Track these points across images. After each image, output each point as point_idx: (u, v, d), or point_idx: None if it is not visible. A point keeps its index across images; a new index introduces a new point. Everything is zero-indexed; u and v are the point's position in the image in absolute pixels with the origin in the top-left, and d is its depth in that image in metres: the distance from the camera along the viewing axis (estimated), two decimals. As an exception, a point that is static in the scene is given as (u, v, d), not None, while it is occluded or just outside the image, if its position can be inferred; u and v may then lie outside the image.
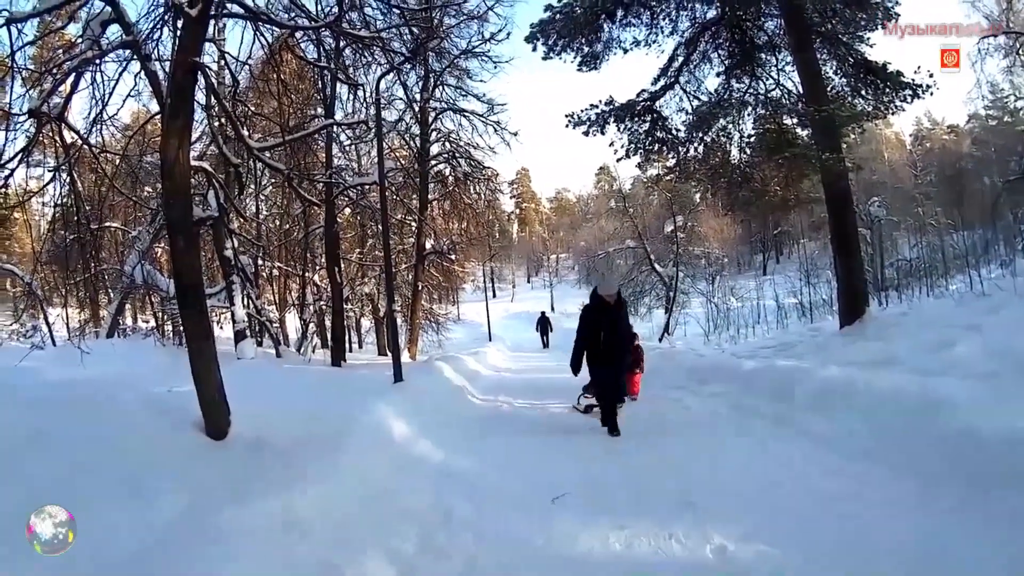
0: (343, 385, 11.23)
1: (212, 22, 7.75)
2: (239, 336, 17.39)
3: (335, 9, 10.31)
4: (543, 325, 37.42)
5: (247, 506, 4.53)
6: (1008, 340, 8.95)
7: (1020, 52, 21.83)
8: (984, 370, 8.11)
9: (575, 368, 8.89)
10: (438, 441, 7.72)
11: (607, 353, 8.65)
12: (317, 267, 23.83)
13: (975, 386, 6.60)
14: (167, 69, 7.07)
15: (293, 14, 9.24)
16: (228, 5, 7.70)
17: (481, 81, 22.83)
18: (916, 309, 14.77)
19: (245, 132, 10.25)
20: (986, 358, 8.70)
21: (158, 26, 7.52)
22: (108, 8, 6.95)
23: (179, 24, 6.50)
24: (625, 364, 9.25)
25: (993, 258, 18.55)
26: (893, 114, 16.57)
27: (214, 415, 6.21)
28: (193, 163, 7.44)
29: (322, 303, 23.51)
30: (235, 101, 10.92)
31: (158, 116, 7.69)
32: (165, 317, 18.91)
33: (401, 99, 22.45)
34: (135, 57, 7.31)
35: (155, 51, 7.57)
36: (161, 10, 7.48)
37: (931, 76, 15.47)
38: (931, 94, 15.45)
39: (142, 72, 7.35)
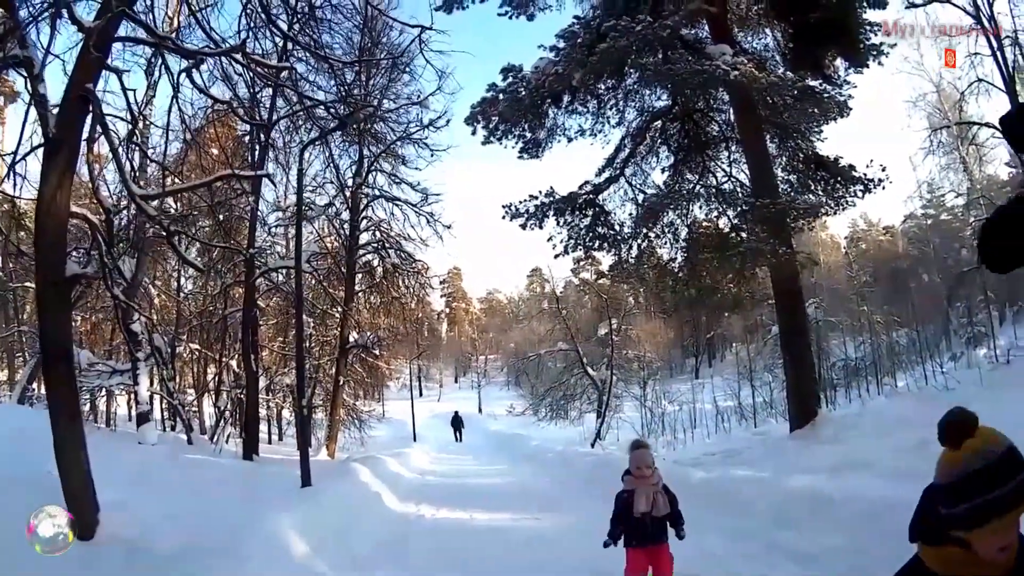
0: (246, 485, 10.04)
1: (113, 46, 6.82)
2: (141, 419, 15.95)
3: (242, 35, 9.44)
4: (456, 423, 39.32)
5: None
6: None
7: (961, 147, 22.33)
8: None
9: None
10: (345, 557, 6.55)
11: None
12: (236, 352, 22.42)
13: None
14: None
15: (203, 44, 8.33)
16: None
17: (416, 168, 22.09)
18: (870, 409, 14.21)
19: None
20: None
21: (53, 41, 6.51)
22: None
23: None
24: None
25: (944, 352, 18.32)
26: (844, 210, 16.35)
27: (80, 510, 5.22)
28: (74, 208, 6.42)
29: (238, 391, 22.04)
30: (130, 142, 9.81)
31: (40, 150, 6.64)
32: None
33: (332, 183, 21.75)
34: (26, 76, 6.30)
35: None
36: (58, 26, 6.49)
37: (883, 170, 15.35)
38: (883, 188, 15.33)
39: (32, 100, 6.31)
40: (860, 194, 15.79)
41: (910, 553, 5.17)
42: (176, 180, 15.22)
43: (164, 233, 10.51)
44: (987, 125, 19.93)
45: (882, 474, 7.74)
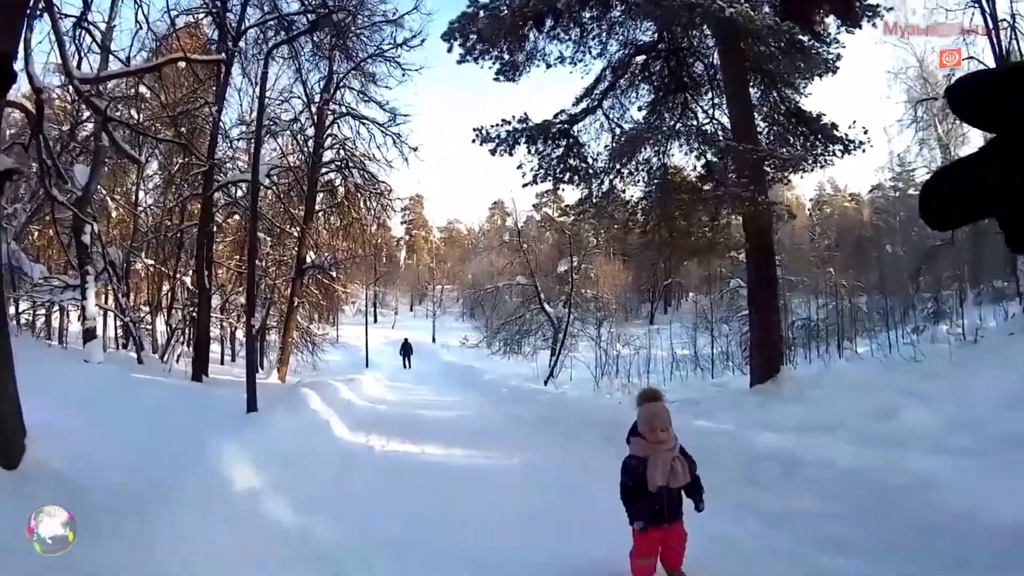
0: (190, 409, 9.64)
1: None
2: (88, 335, 15.52)
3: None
4: (405, 350, 39.89)
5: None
6: (965, 412, 8.51)
7: (939, 125, 22.23)
8: (956, 445, 7.32)
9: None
10: (292, 497, 6.11)
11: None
12: (190, 268, 21.85)
13: (959, 464, 5.77)
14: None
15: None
16: None
17: (386, 87, 21.41)
18: (833, 371, 14.20)
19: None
20: (948, 431, 8.03)
21: None
22: None
23: None
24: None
25: (908, 323, 18.44)
26: (822, 167, 15.99)
27: (4, 437, 4.74)
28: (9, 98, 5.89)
29: (191, 309, 21.53)
30: (79, 27, 9.12)
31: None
32: (29, 307, 17.82)
33: (299, 99, 21.07)
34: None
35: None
36: None
37: (865, 132, 15.13)
38: (862, 151, 15.10)
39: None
40: (839, 154, 15.53)
41: (882, 521, 5.03)
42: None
43: (101, 118, 10.00)
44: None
45: (851, 439, 7.61)
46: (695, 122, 16.41)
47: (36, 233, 18.08)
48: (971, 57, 17.97)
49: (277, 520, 5.54)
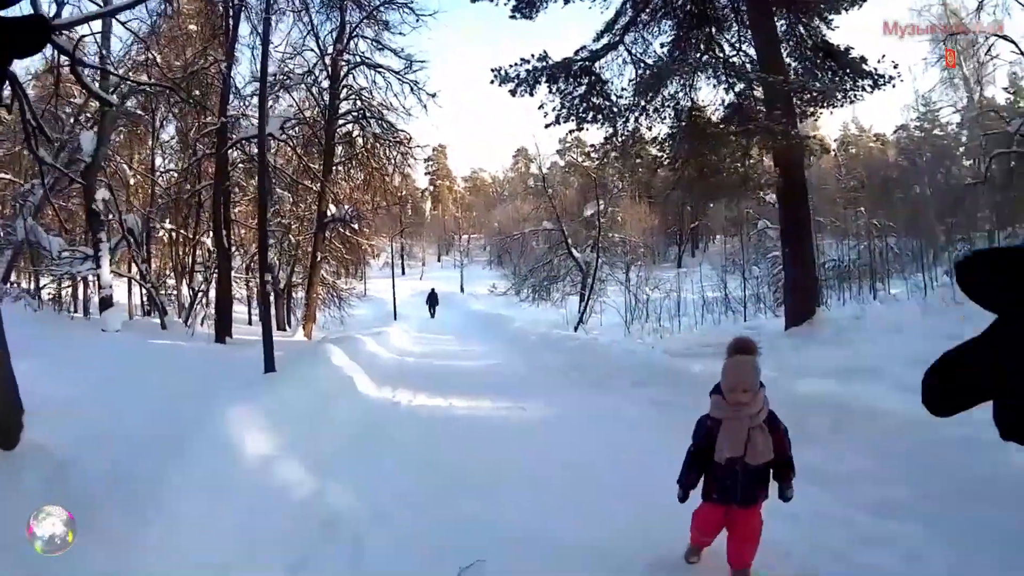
0: (210, 372, 9.38)
1: None
2: (104, 304, 15.37)
3: None
4: (431, 300, 40.03)
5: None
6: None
7: (964, 64, 21.59)
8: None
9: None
10: (306, 460, 5.78)
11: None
12: (211, 231, 21.65)
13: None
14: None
15: None
16: None
17: (400, 34, 20.90)
18: (869, 313, 13.72)
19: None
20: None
21: None
22: None
23: None
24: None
25: (940, 265, 17.89)
26: (852, 103, 15.40)
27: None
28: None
29: (213, 271, 21.35)
30: None
31: None
32: (51, 281, 17.80)
33: (312, 51, 20.62)
34: None
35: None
36: None
37: (895, 67, 14.51)
38: (892, 86, 14.48)
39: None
40: (870, 88, 14.92)
41: (939, 480, 4.61)
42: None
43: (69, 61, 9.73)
44: (1004, 38, 18.80)
45: (897, 386, 7.10)
46: (722, 55, 15.79)
47: (57, 207, 17.90)
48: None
49: (288, 486, 5.22)
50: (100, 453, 4.45)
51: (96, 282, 15.97)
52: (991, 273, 0.72)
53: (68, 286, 19.43)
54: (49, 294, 18.50)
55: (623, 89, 16.09)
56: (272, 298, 28.28)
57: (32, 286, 18.02)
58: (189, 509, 4.06)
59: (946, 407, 0.77)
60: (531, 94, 15.52)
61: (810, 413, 6.13)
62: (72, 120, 17.51)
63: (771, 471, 3.69)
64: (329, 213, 21.22)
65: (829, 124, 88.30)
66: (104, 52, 14.74)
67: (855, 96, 15.14)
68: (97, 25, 13.11)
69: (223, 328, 16.81)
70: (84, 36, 14.00)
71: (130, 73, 16.39)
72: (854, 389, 6.80)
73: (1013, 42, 17.99)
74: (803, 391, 6.84)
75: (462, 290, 57.38)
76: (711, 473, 3.72)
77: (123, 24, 14.14)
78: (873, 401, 6.23)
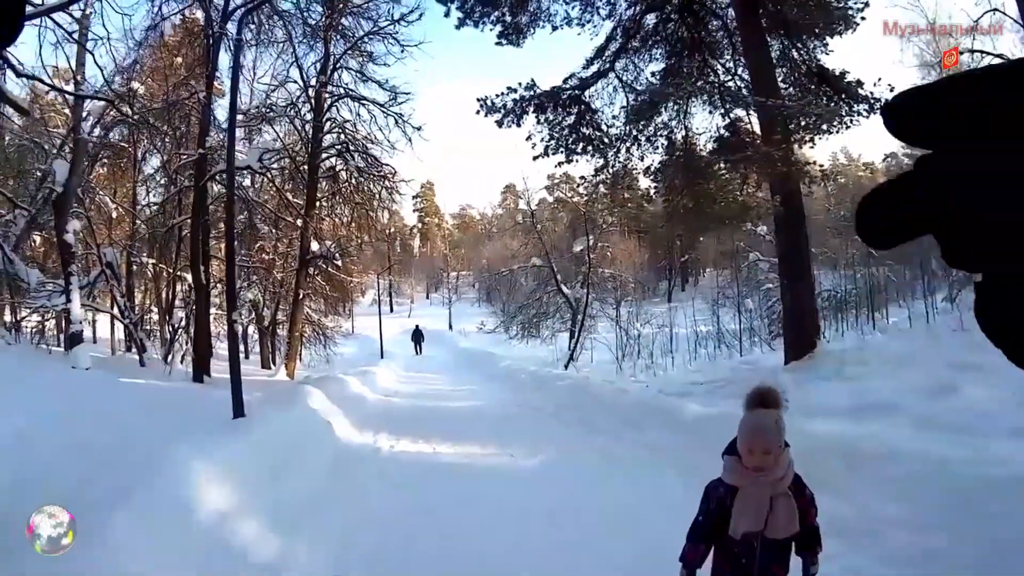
0: (174, 415, 8.75)
1: None
2: (74, 340, 14.78)
3: None
4: (416, 337, 41.60)
5: None
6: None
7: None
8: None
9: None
10: (268, 518, 5.17)
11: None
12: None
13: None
14: None
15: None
16: None
17: (385, 65, 20.59)
18: (871, 344, 13.28)
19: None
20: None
21: None
22: None
23: None
24: None
25: (939, 292, 17.48)
26: (847, 128, 14.94)
27: None
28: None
29: (192, 307, 20.75)
30: None
31: None
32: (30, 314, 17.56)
33: (296, 82, 20.30)
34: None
35: None
36: None
37: (891, 90, 14.15)
38: (891, 110, 14.13)
39: None
40: (866, 113, 14.61)
41: (977, 527, 4.04)
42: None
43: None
44: (998, 56, 18.59)
45: (913, 422, 6.60)
46: (716, 79, 15.45)
47: (37, 239, 17.45)
48: (995, 9, 17.04)
49: (246, 547, 4.64)
50: (34, 493, 3.94)
51: (66, 316, 15.39)
52: (921, 102, 0.61)
53: (51, 318, 18.86)
54: (33, 327, 17.95)
55: (614, 118, 15.87)
56: (257, 336, 27.85)
57: (12, 318, 17.69)
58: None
59: (883, 240, 0.62)
60: (518, 125, 15.20)
61: (825, 457, 5.48)
62: (55, 151, 17.10)
63: (793, 544, 2.95)
64: (312, 249, 20.70)
65: (819, 154, 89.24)
66: (78, 79, 14.46)
67: (851, 121, 14.80)
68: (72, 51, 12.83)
69: (201, 366, 16.18)
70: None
71: (111, 106, 16.07)
72: (871, 428, 6.45)
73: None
74: (813, 432, 6.18)
75: (451, 327, 56.95)
76: (723, 548, 2.97)
77: (86, 48, 13.85)
78: (895, 442, 5.71)
